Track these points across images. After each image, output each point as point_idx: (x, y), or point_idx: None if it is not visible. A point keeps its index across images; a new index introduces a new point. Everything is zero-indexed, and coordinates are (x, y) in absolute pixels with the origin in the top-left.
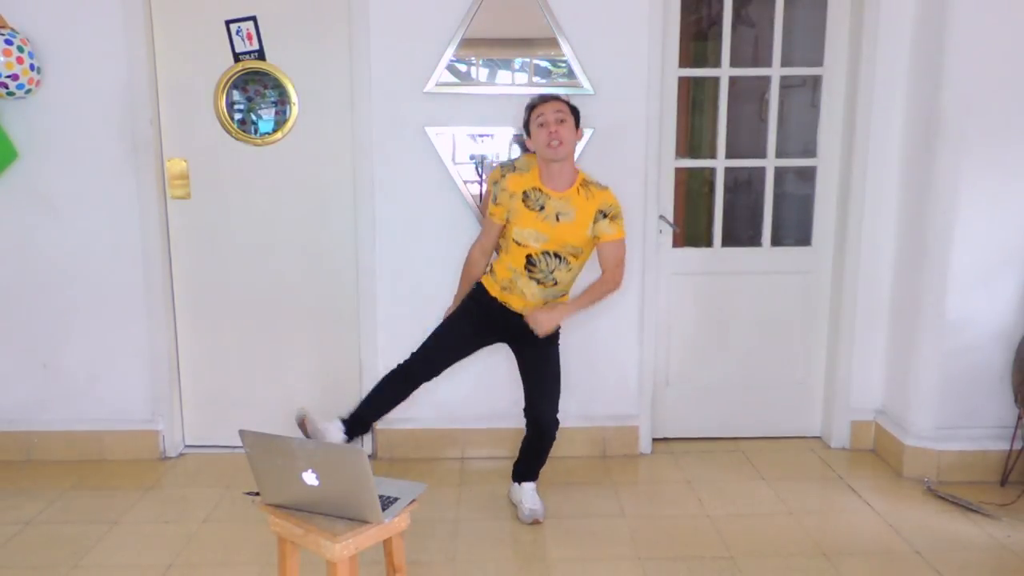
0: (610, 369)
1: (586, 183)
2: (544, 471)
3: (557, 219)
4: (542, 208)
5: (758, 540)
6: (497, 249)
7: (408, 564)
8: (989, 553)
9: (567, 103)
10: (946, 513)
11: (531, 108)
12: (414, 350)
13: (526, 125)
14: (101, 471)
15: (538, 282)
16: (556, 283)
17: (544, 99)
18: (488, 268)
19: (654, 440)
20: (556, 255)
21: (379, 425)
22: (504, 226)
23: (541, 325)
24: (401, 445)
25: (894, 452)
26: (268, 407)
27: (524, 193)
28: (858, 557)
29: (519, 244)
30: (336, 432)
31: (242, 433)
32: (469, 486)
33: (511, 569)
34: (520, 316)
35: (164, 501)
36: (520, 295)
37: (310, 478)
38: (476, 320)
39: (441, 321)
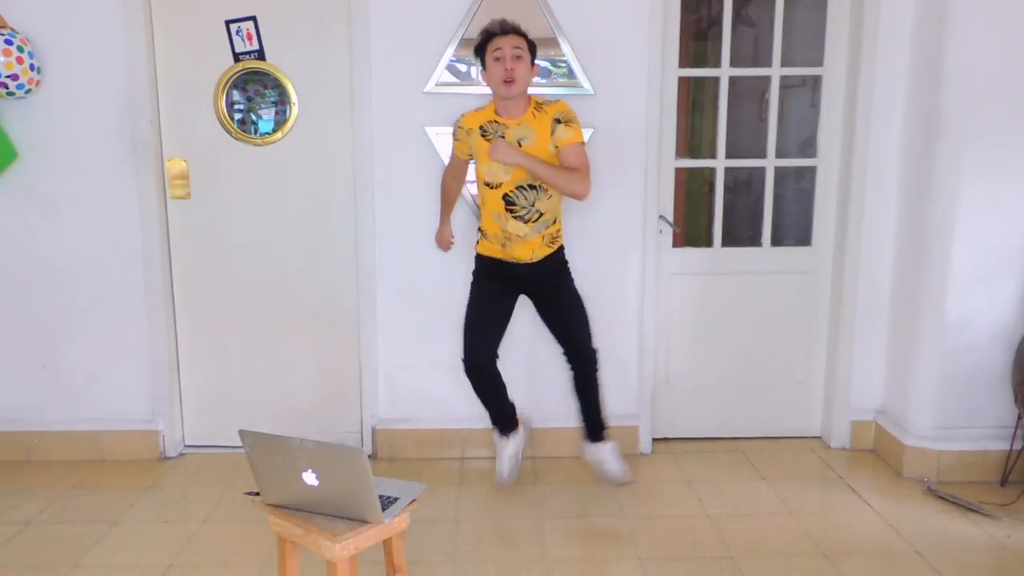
0: (610, 369)
1: (539, 104)
2: (544, 471)
3: (519, 144)
4: (502, 138)
5: (758, 540)
6: (480, 203)
7: (408, 564)
8: (989, 553)
9: (525, 37)
10: (946, 513)
11: (488, 37)
12: (463, 346)
13: (479, 52)
14: (101, 471)
15: (524, 220)
16: (541, 214)
17: (504, 30)
18: (478, 234)
19: (654, 440)
20: (530, 186)
21: (379, 425)
22: (468, 160)
23: (497, 151)
24: (401, 445)
25: (894, 452)
26: (268, 407)
27: (481, 128)
28: (858, 557)
29: (491, 186)
30: (512, 444)
31: (242, 433)
32: (469, 486)
33: (511, 569)
34: (529, 266)
35: (164, 501)
36: (520, 243)
37: (310, 478)
38: (493, 285)
39: (468, 304)
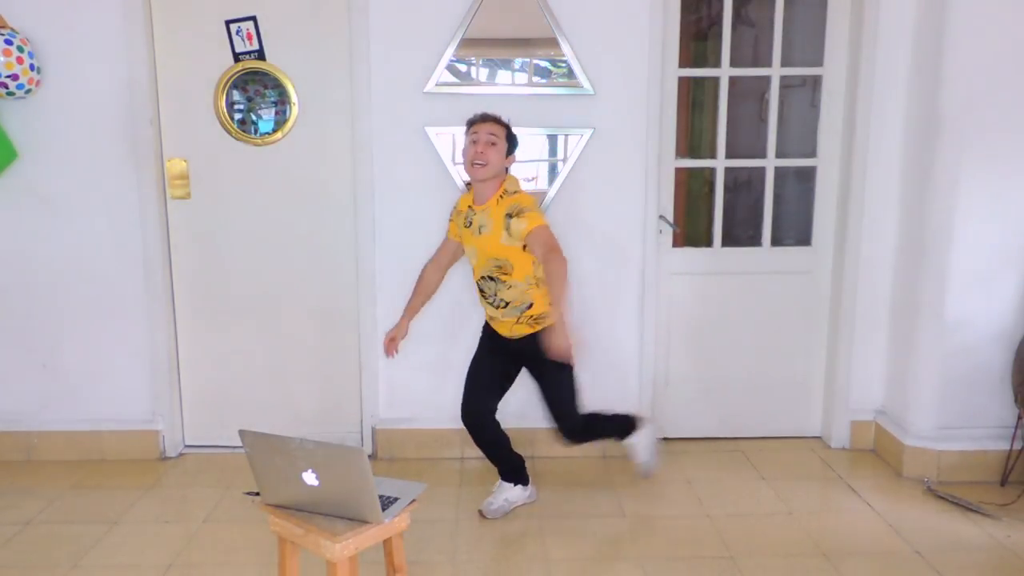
0: (610, 369)
1: (506, 193)
2: (544, 471)
3: (480, 232)
4: (469, 224)
5: (758, 540)
6: None
7: (408, 564)
8: (989, 553)
9: (506, 127)
10: (946, 513)
11: (470, 124)
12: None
13: (466, 135)
14: (101, 471)
15: (494, 306)
16: (507, 303)
17: (484, 119)
18: None
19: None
20: (491, 278)
21: (379, 425)
22: (458, 245)
23: (553, 350)
24: (401, 445)
25: (894, 452)
26: (268, 407)
27: (463, 212)
28: (858, 557)
29: (473, 272)
30: (515, 492)
31: (242, 433)
32: (469, 486)
33: (511, 569)
34: (516, 341)
35: (164, 501)
36: (500, 320)
37: (310, 478)
38: (491, 345)
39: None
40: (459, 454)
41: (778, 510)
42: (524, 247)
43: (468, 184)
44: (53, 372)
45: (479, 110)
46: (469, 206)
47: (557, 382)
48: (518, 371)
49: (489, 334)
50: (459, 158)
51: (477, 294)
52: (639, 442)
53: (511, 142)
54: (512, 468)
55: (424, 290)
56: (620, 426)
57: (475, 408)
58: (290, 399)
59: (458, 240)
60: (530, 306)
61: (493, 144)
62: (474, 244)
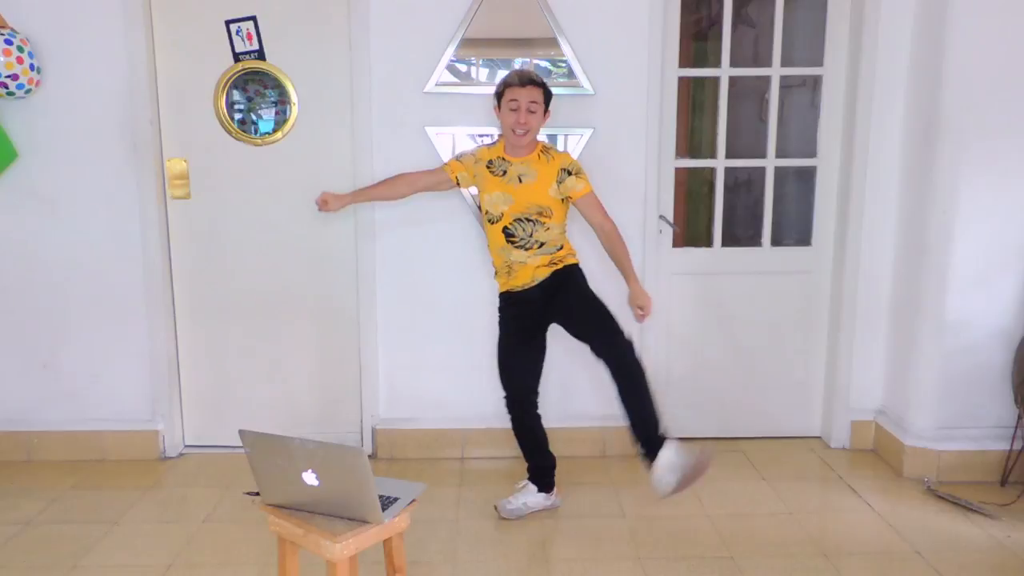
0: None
1: (546, 149)
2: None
3: (519, 180)
4: (504, 173)
5: (758, 540)
6: (488, 241)
7: (408, 564)
8: (989, 553)
9: (543, 88)
10: (946, 513)
11: (507, 85)
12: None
13: (498, 97)
14: (101, 471)
15: (524, 248)
16: (541, 244)
17: (522, 81)
18: (494, 271)
19: None
20: (527, 219)
21: (379, 425)
22: (441, 182)
23: (646, 310)
24: (401, 445)
25: (894, 452)
26: (268, 407)
27: (489, 161)
28: (858, 557)
29: (492, 220)
30: (537, 497)
31: (242, 433)
32: (469, 486)
33: (511, 569)
34: (534, 288)
35: (164, 501)
36: (522, 268)
37: (310, 478)
38: (513, 321)
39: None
40: (459, 454)
41: (778, 510)
42: (563, 200)
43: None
44: (53, 372)
45: (515, 69)
46: (500, 157)
47: (593, 302)
48: (545, 337)
49: (509, 304)
50: None
51: (499, 243)
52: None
53: (548, 100)
54: (541, 469)
55: (386, 192)
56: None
57: (520, 392)
58: (290, 399)
59: (452, 181)
60: (560, 248)
61: (533, 112)
62: (509, 191)
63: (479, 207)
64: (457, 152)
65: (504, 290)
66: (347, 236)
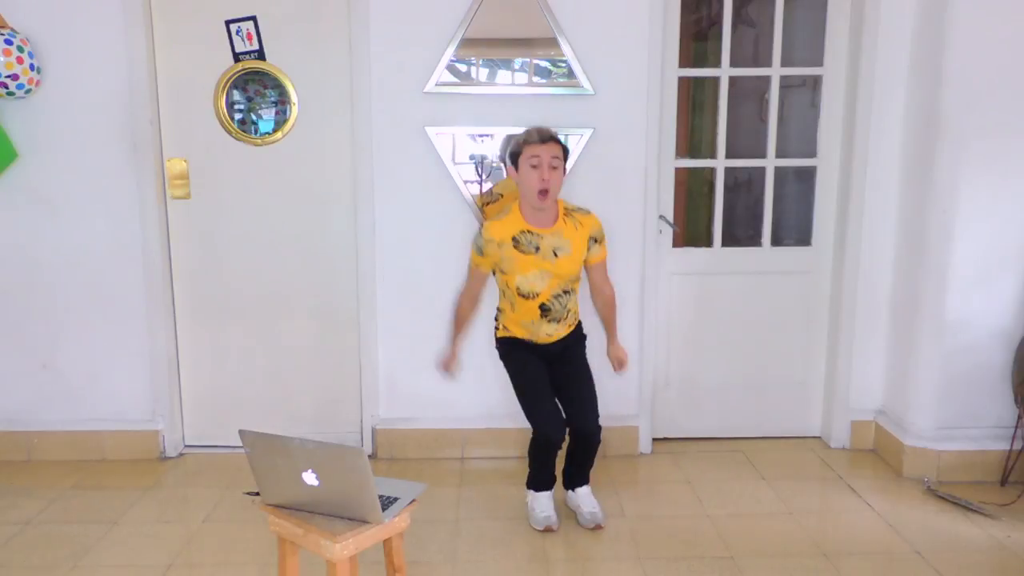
0: (610, 369)
1: (568, 212)
2: None
3: (555, 255)
4: (537, 249)
5: (758, 540)
6: (500, 308)
7: (408, 564)
8: (989, 553)
9: (562, 145)
10: (946, 513)
11: (525, 143)
12: (531, 420)
13: (514, 157)
14: (101, 471)
15: (556, 321)
16: (569, 311)
17: (543, 138)
18: (499, 325)
19: (654, 440)
20: (565, 292)
21: (379, 425)
22: (489, 275)
23: (624, 364)
24: (401, 445)
25: (894, 452)
26: (268, 407)
27: (514, 239)
28: (858, 557)
29: (525, 297)
30: (546, 493)
31: (242, 433)
32: (469, 486)
33: (511, 569)
34: (555, 344)
35: (164, 501)
36: (546, 336)
37: (310, 478)
38: (525, 355)
39: (512, 377)
40: (459, 454)
41: (778, 510)
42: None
43: (483, 206)
44: (53, 372)
45: (534, 125)
46: (526, 231)
47: (589, 380)
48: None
49: (518, 346)
50: (459, 158)
51: (530, 318)
52: (588, 490)
53: (566, 158)
54: (552, 477)
55: (467, 324)
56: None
57: (554, 424)
58: (290, 399)
59: (489, 272)
60: (575, 311)
61: (555, 168)
62: (548, 268)
63: (502, 280)
64: (473, 243)
65: (512, 336)
66: (347, 236)
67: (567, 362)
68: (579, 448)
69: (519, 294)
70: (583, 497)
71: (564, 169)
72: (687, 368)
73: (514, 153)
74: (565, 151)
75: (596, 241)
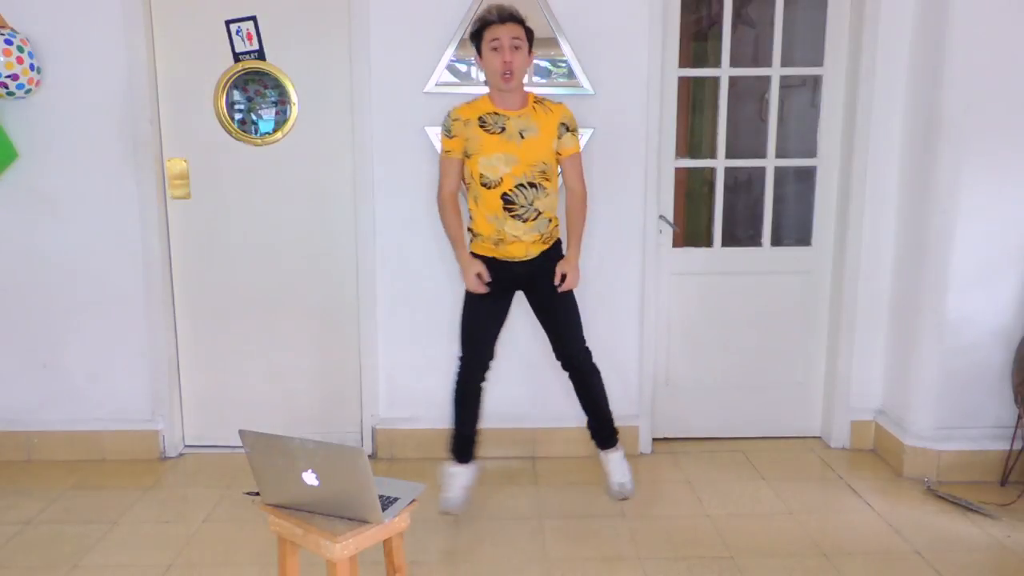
0: (610, 369)
1: (539, 99)
2: (544, 471)
3: (522, 136)
4: (503, 129)
5: (758, 540)
6: (469, 208)
7: (408, 564)
8: (989, 553)
9: (523, 25)
10: (946, 513)
11: (485, 24)
12: (460, 354)
13: (474, 38)
14: (101, 471)
15: (523, 219)
16: (540, 212)
17: (502, 18)
18: (469, 234)
19: (654, 440)
20: (531, 184)
21: (379, 425)
22: (462, 163)
23: (569, 278)
24: (401, 445)
25: (894, 452)
26: (268, 407)
27: (480, 119)
28: (858, 557)
29: (489, 185)
30: (456, 474)
31: (242, 433)
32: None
33: (511, 569)
34: (524, 263)
35: (164, 501)
36: (514, 241)
37: (310, 478)
38: (494, 285)
39: (463, 309)
40: None
41: (778, 510)
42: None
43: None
44: (53, 372)
45: (491, 4)
46: (491, 112)
47: (570, 301)
48: (508, 305)
49: (491, 273)
50: None
51: (493, 211)
52: (620, 457)
53: (530, 39)
54: (470, 439)
55: (458, 228)
56: (607, 412)
57: (484, 356)
58: (290, 399)
59: (460, 157)
60: (550, 221)
61: (517, 48)
62: (513, 151)
63: (467, 169)
64: (442, 127)
65: (482, 255)
66: (347, 236)
67: (544, 287)
68: (575, 383)
69: (482, 183)
70: (614, 463)
71: (529, 50)
72: (687, 368)
73: (474, 34)
74: (529, 32)
75: (568, 129)
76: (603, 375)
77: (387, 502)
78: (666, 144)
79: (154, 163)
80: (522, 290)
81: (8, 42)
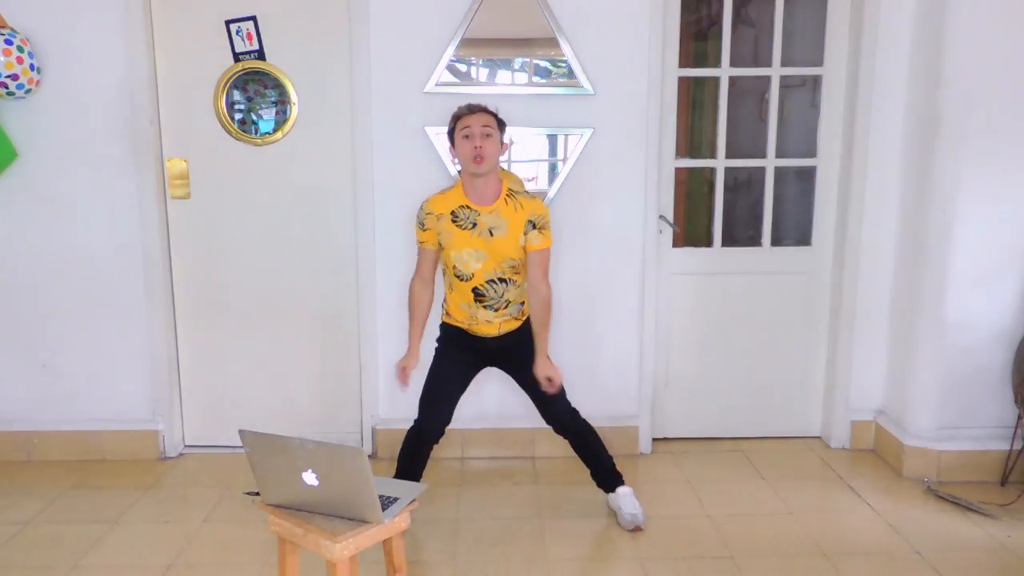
0: (610, 369)
1: (512, 193)
2: (544, 471)
3: (491, 234)
4: (474, 225)
5: (758, 540)
6: (447, 287)
7: (408, 564)
8: (989, 553)
9: (495, 116)
10: (946, 513)
11: (457, 118)
12: (419, 409)
13: (450, 135)
14: (101, 471)
15: (493, 309)
16: (509, 303)
17: (472, 110)
18: (444, 308)
19: (654, 440)
20: (500, 279)
21: (379, 425)
22: (438, 253)
23: (552, 378)
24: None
25: (894, 452)
26: (268, 407)
27: (452, 213)
28: (858, 557)
29: (461, 278)
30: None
31: (242, 433)
32: (469, 486)
33: (511, 569)
34: (495, 339)
35: (164, 501)
36: (485, 323)
37: (310, 478)
38: (458, 355)
39: (431, 365)
40: (459, 454)
41: (778, 510)
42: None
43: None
44: (53, 372)
45: (463, 103)
46: (464, 207)
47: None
48: (474, 375)
49: (458, 340)
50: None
51: (466, 300)
52: (628, 492)
53: (502, 128)
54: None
55: (421, 312)
56: (608, 457)
57: (439, 424)
58: (290, 399)
59: (435, 248)
60: (523, 303)
61: (488, 136)
62: (483, 247)
63: (444, 257)
64: (416, 218)
65: (455, 325)
66: (347, 236)
67: (519, 360)
68: (571, 443)
69: (455, 274)
70: (623, 498)
71: (500, 141)
72: (687, 368)
73: (450, 131)
74: (500, 122)
75: (535, 226)
76: (603, 375)
77: (387, 502)
78: (666, 144)
79: (154, 163)
80: (495, 365)
81: (8, 42)
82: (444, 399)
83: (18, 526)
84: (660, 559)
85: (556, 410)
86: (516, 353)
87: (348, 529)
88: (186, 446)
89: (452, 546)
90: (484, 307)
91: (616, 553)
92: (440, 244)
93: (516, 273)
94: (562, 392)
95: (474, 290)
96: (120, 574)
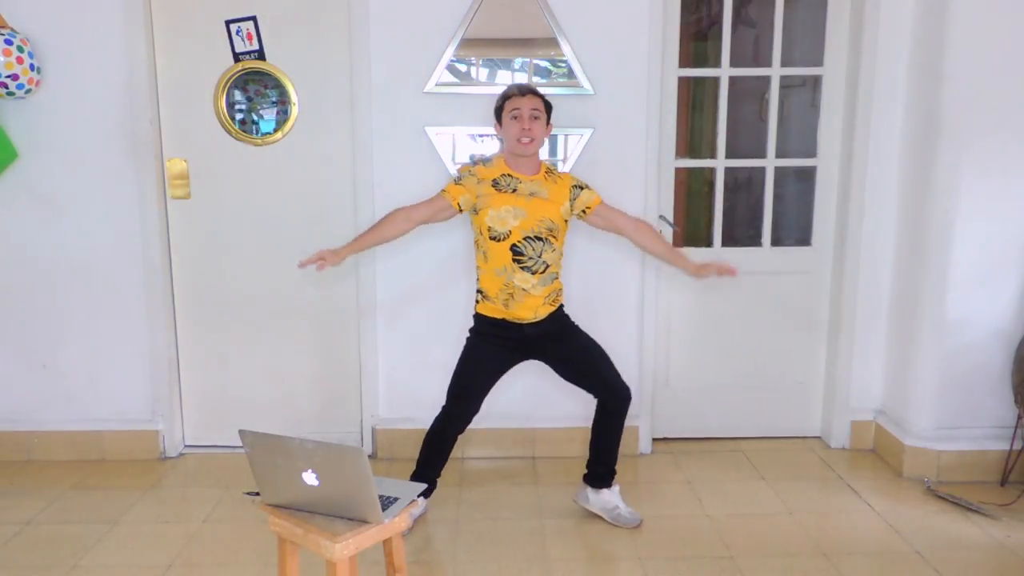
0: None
1: (550, 170)
2: (544, 471)
3: (530, 196)
4: (515, 190)
5: (758, 540)
6: (478, 268)
7: (408, 564)
8: (989, 553)
9: (543, 99)
10: (946, 513)
11: (507, 97)
12: (447, 399)
13: (497, 113)
14: (101, 471)
15: (531, 271)
16: (548, 266)
17: (522, 91)
18: (477, 295)
19: (654, 440)
20: (538, 238)
21: (379, 425)
22: (446, 212)
23: (725, 268)
24: (401, 445)
25: (894, 452)
26: (268, 407)
27: (494, 180)
28: (858, 557)
29: (498, 239)
30: (422, 507)
31: (242, 433)
32: (469, 486)
33: (511, 569)
34: (532, 325)
35: (164, 501)
36: (523, 299)
37: (310, 478)
38: (492, 350)
39: (461, 358)
40: (459, 454)
41: (778, 510)
42: (567, 222)
43: (477, 160)
44: (53, 372)
45: (512, 83)
46: (506, 174)
47: (593, 347)
48: (506, 371)
49: (493, 333)
50: (460, 158)
51: (502, 264)
52: (618, 490)
53: (549, 112)
54: (434, 481)
55: (384, 233)
56: (616, 457)
57: (468, 417)
58: (290, 399)
59: (454, 207)
60: (556, 277)
61: (536, 118)
62: (522, 205)
63: (475, 225)
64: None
65: (491, 316)
66: (347, 236)
67: (560, 344)
68: (610, 411)
69: (490, 236)
70: (617, 495)
71: (548, 122)
72: (687, 368)
73: (497, 109)
74: (548, 105)
75: (581, 188)
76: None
77: (387, 502)
78: (666, 144)
79: (154, 163)
80: (532, 356)
81: (8, 42)
82: (474, 393)
83: (18, 526)
84: (660, 559)
85: (616, 385)
86: (556, 337)
87: (348, 529)
88: (186, 446)
89: (452, 546)
90: (522, 268)
91: (616, 553)
92: (474, 209)
93: (553, 236)
94: (610, 361)
95: (512, 247)
96: (120, 574)
